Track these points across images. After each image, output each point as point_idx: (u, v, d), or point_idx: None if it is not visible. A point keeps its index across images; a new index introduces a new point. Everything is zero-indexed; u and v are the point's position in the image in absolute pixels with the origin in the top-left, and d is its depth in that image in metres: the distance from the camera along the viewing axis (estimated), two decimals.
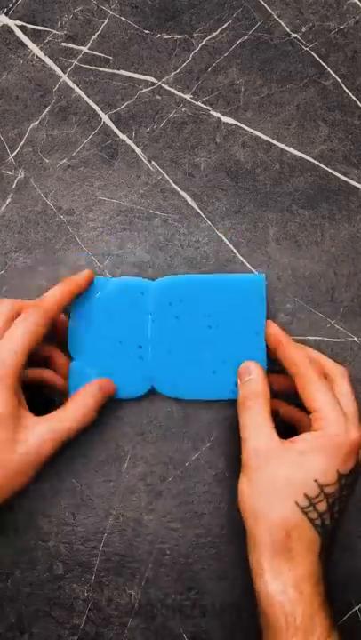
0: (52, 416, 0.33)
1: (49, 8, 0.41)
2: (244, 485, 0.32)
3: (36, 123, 0.40)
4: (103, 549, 0.38)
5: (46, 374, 0.37)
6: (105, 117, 0.40)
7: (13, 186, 0.40)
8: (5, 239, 0.40)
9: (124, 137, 0.40)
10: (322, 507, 0.31)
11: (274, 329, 0.36)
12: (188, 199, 0.40)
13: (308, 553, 0.30)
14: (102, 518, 0.38)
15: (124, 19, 0.41)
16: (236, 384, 0.36)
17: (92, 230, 0.40)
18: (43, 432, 0.32)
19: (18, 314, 0.33)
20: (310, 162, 0.40)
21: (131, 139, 0.40)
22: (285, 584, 0.30)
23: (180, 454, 0.38)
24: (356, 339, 0.39)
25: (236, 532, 0.38)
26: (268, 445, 0.31)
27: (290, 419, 0.36)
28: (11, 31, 0.41)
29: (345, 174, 0.40)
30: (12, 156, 0.40)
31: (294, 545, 0.30)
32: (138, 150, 0.40)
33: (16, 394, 0.32)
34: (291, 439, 0.32)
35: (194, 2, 0.41)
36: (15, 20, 0.41)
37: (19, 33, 0.41)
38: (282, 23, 0.41)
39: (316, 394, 0.32)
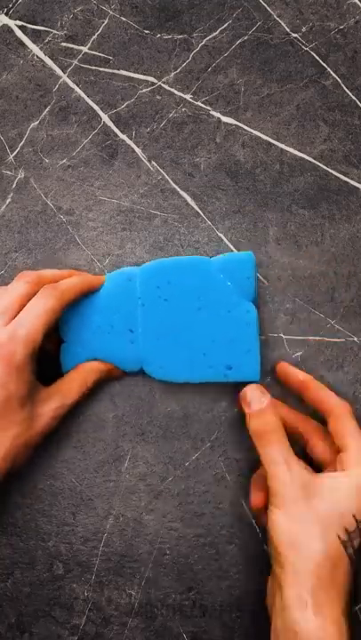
0: (58, 389, 0.35)
1: (49, 8, 0.41)
2: (280, 518, 0.31)
3: (36, 123, 0.40)
4: (103, 549, 0.38)
5: None
6: (105, 117, 0.40)
7: (13, 186, 0.40)
8: (5, 239, 0.40)
9: (124, 137, 0.40)
10: (356, 542, 0.31)
11: (298, 374, 0.37)
12: (188, 199, 0.40)
13: (345, 587, 0.30)
14: (102, 518, 0.38)
15: (124, 19, 0.41)
16: (229, 367, 0.36)
17: (92, 230, 0.40)
18: (55, 407, 0.34)
19: (35, 291, 0.34)
20: (310, 162, 0.40)
21: (131, 139, 0.40)
22: (325, 619, 0.29)
23: (180, 454, 0.38)
24: (356, 339, 0.39)
25: (236, 532, 0.38)
26: (303, 478, 0.32)
27: (314, 452, 0.36)
28: (11, 31, 0.41)
29: (345, 174, 0.40)
30: (11, 156, 0.40)
31: (338, 578, 0.30)
32: (138, 150, 0.40)
33: (32, 373, 0.33)
34: (320, 474, 0.33)
35: (194, 2, 0.41)
36: (15, 20, 0.41)
37: (19, 33, 0.41)
38: (282, 23, 0.41)
39: (347, 437, 0.33)
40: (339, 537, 0.30)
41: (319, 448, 0.35)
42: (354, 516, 0.31)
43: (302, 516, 0.31)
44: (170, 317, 0.37)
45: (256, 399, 0.34)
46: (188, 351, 0.37)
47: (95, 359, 0.37)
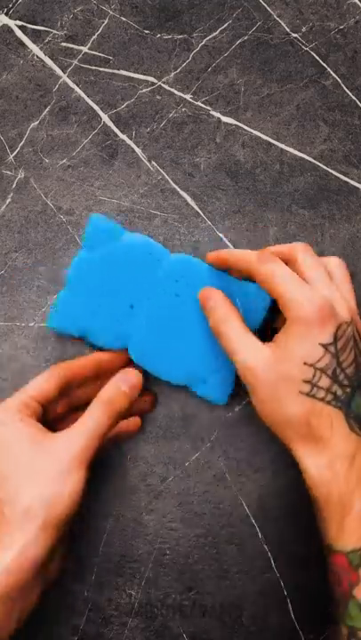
0: (74, 426, 0.32)
1: (49, 8, 0.41)
2: (255, 402, 0.32)
3: (36, 123, 0.40)
4: (103, 549, 0.38)
5: None
6: (105, 117, 0.40)
7: (13, 186, 0.40)
8: (5, 239, 0.40)
9: (124, 137, 0.40)
10: (325, 382, 0.30)
11: (211, 254, 0.36)
12: (188, 199, 0.40)
13: (336, 431, 0.30)
14: (102, 518, 0.38)
15: (124, 19, 0.41)
16: (204, 381, 0.37)
17: None
18: (73, 432, 0.32)
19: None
20: (310, 162, 0.40)
21: (131, 139, 0.40)
22: (319, 468, 0.30)
23: (180, 454, 0.38)
24: None
25: (236, 532, 0.38)
26: (255, 356, 0.31)
27: None
28: (11, 31, 0.41)
29: (345, 174, 0.40)
30: (11, 156, 0.40)
31: (318, 430, 0.30)
32: (138, 150, 0.40)
33: (30, 423, 0.33)
34: (273, 339, 0.32)
35: (194, 2, 0.41)
36: (15, 20, 0.41)
37: (19, 33, 0.41)
38: (282, 23, 0.41)
39: (275, 282, 0.32)
40: (300, 392, 0.30)
41: None
42: (305, 363, 0.30)
43: (268, 393, 0.31)
44: (172, 312, 0.37)
45: (206, 298, 0.35)
46: (174, 350, 0.37)
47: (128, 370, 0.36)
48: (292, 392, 0.30)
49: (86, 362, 0.36)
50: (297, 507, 0.38)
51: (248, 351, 0.32)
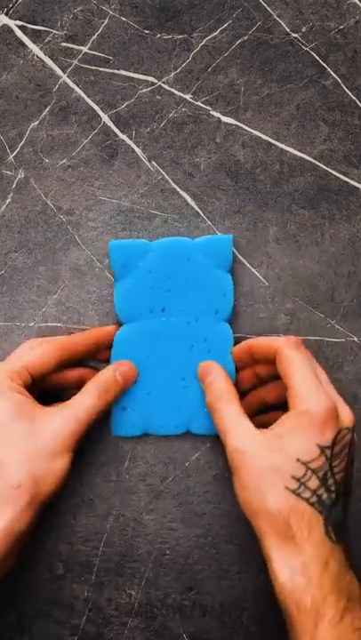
0: (71, 400, 0.33)
1: (49, 8, 0.41)
2: (237, 486, 0.32)
3: (36, 123, 0.40)
4: (103, 549, 0.38)
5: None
6: (105, 117, 0.40)
7: (13, 186, 0.40)
8: (5, 239, 0.40)
9: (124, 137, 0.40)
10: (313, 484, 0.30)
11: (237, 349, 0.37)
12: (188, 199, 0.40)
13: (312, 535, 0.30)
14: (102, 518, 0.38)
15: (124, 19, 0.41)
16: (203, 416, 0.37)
17: (92, 230, 0.40)
18: (60, 419, 0.32)
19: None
20: (310, 162, 0.40)
21: (131, 139, 0.40)
22: (293, 571, 0.29)
23: (180, 454, 0.38)
24: (356, 339, 0.39)
25: (236, 532, 0.38)
26: (247, 441, 0.31)
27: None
28: (11, 31, 0.41)
29: (345, 174, 0.40)
30: (11, 156, 0.40)
31: (296, 531, 0.29)
32: (138, 150, 0.40)
33: (19, 395, 0.33)
34: (270, 427, 0.32)
35: (194, 2, 0.41)
36: (15, 20, 0.41)
37: (19, 33, 0.41)
38: (282, 23, 0.41)
39: (293, 369, 0.32)
40: (287, 488, 0.30)
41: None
42: (298, 460, 0.30)
43: (252, 480, 0.30)
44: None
45: (206, 373, 0.35)
46: (175, 400, 0.37)
47: (121, 361, 0.37)
48: (278, 485, 0.30)
49: (83, 338, 0.36)
50: None
51: (240, 433, 0.31)
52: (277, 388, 0.36)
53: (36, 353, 0.34)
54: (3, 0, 0.41)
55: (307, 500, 0.30)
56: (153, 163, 0.40)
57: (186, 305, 0.37)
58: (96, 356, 0.38)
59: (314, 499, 0.30)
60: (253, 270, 0.39)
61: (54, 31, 0.41)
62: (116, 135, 0.40)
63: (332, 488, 0.31)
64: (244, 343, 0.36)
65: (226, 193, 0.40)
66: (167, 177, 0.40)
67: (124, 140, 0.40)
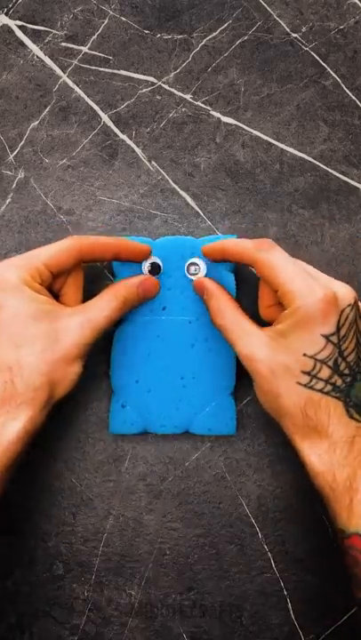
0: (89, 306, 0.33)
1: (49, 8, 0.41)
2: (257, 393, 0.32)
3: (36, 123, 0.40)
4: (103, 549, 0.38)
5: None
6: (105, 117, 0.40)
7: (13, 186, 0.40)
8: (5, 239, 0.40)
9: (124, 137, 0.40)
10: (325, 373, 0.30)
11: (206, 247, 0.35)
12: (188, 199, 0.40)
13: (332, 420, 0.30)
14: (102, 518, 0.38)
15: (124, 19, 0.41)
16: (204, 415, 0.37)
17: (92, 230, 0.40)
18: (82, 321, 0.32)
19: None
20: (310, 162, 0.40)
21: (131, 139, 0.40)
22: (320, 455, 0.30)
23: (180, 454, 0.38)
24: None
25: (236, 532, 0.38)
26: (254, 346, 0.31)
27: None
28: (11, 31, 0.41)
29: (345, 174, 0.40)
30: (11, 156, 0.40)
31: (316, 421, 0.30)
32: (138, 150, 0.40)
33: (39, 293, 0.32)
34: (273, 324, 0.32)
35: (194, 2, 0.41)
36: (15, 20, 0.41)
37: (19, 33, 0.41)
38: (282, 23, 0.41)
39: (274, 270, 0.31)
40: (299, 383, 0.30)
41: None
42: (305, 355, 0.30)
43: (268, 383, 0.31)
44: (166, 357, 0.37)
45: (201, 289, 0.35)
46: (173, 398, 0.37)
47: (147, 276, 0.36)
48: (289, 383, 0.30)
49: (107, 243, 0.34)
50: (297, 507, 0.38)
51: (247, 339, 0.31)
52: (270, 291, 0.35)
53: (55, 248, 0.33)
54: (3, 0, 0.41)
55: (321, 390, 0.30)
56: (153, 163, 0.40)
57: (187, 304, 0.37)
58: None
59: (328, 387, 0.30)
60: (253, 270, 0.39)
61: (54, 31, 0.41)
62: (116, 135, 0.40)
63: (346, 372, 0.31)
64: (216, 243, 0.35)
65: (226, 193, 0.40)
66: (167, 177, 0.40)
67: (124, 140, 0.40)
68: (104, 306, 0.33)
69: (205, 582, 0.37)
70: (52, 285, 0.35)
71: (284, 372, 0.30)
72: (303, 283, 0.30)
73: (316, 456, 0.30)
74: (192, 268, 0.37)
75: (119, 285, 0.35)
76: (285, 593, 0.37)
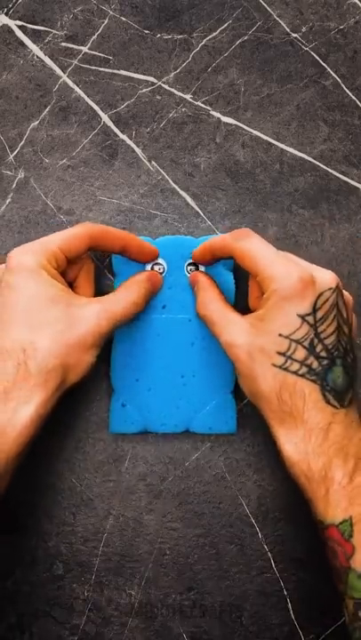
0: (105, 298, 0.33)
1: (49, 8, 0.41)
2: (239, 379, 0.32)
3: (36, 123, 0.40)
4: (103, 549, 0.38)
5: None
6: (105, 117, 0.40)
7: (13, 186, 0.40)
8: (5, 239, 0.40)
9: (124, 137, 0.40)
10: (300, 354, 0.30)
11: (196, 251, 0.36)
12: (188, 199, 0.40)
13: (308, 405, 0.30)
14: (102, 518, 0.38)
15: (124, 19, 0.41)
16: (204, 414, 0.37)
17: None
18: (98, 310, 0.32)
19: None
20: (310, 162, 0.40)
21: (131, 139, 0.40)
22: (295, 443, 0.30)
23: (180, 454, 0.38)
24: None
25: (236, 532, 0.38)
26: (235, 332, 0.31)
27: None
28: (11, 31, 0.41)
29: (345, 174, 0.40)
30: (11, 156, 0.40)
31: (291, 405, 0.30)
32: (138, 150, 0.40)
33: (55, 279, 0.32)
34: (252, 313, 0.32)
35: (194, 2, 0.41)
36: (15, 20, 0.41)
37: (19, 33, 0.41)
38: (282, 23, 0.41)
39: (251, 258, 0.31)
40: (274, 365, 0.30)
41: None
42: (281, 335, 0.30)
43: (246, 368, 0.30)
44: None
45: (194, 281, 0.35)
46: (173, 396, 0.37)
47: (151, 271, 0.36)
48: (265, 366, 0.30)
49: (118, 233, 0.35)
50: (297, 507, 0.38)
51: (229, 328, 0.31)
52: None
53: (69, 233, 0.33)
54: (3, 0, 0.41)
55: (295, 372, 0.30)
56: (153, 163, 0.40)
57: (187, 302, 0.37)
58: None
59: (303, 369, 0.30)
60: None
61: (54, 31, 0.41)
62: (116, 135, 0.40)
63: (323, 354, 0.30)
64: (201, 246, 0.35)
65: (226, 193, 0.40)
66: (167, 177, 0.40)
67: (124, 140, 0.40)
68: (121, 298, 0.33)
69: (205, 582, 0.37)
70: (66, 275, 0.35)
71: (260, 353, 0.30)
72: (281, 267, 0.30)
73: (292, 444, 0.30)
74: (191, 268, 0.37)
75: (131, 282, 0.35)
76: (285, 593, 0.37)
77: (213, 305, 0.33)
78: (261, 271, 0.31)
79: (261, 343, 0.30)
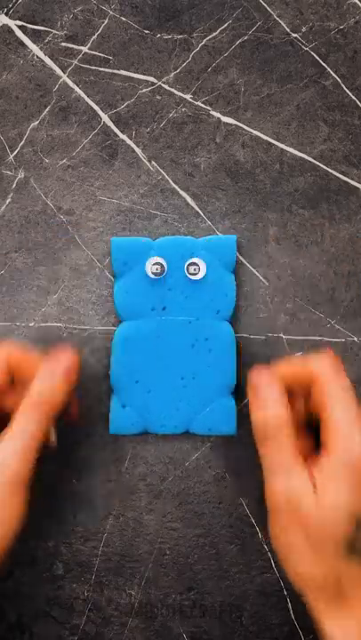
0: (10, 437, 0.29)
1: (49, 8, 0.41)
2: (275, 531, 0.28)
3: (36, 123, 0.40)
4: (103, 549, 0.38)
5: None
6: (105, 117, 0.40)
7: (13, 186, 0.40)
8: (5, 239, 0.40)
9: (124, 137, 0.40)
10: None
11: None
12: (188, 199, 0.40)
13: None
14: (102, 518, 0.38)
15: (124, 19, 0.41)
16: (204, 415, 0.37)
17: (92, 230, 0.40)
18: (6, 458, 0.28)
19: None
20: (310, 162, 0.40)
21: (131, 139, 0.40)
22: (347, 634, 0.27)
23: (180, 454, 0.38)
24: (356, 339, 0.39)
25: (236, 532, 0.38)
26: (299, 490, 0.27)
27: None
28: (11, 31, 0.41)
29: (345, 174, 0.40)
30: (11, 156, 0.40)
31: (347, 589, 0.27)
32: (138, 150, 0.40)
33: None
34: (312, 471, 0.28)
35: (194, 2, 0.41)
36: (15, 20, 0.41)
37: (19, 33, 0.41)
38: (282, 23, 0.41)
39: (331, 407, 0.28)
40: (337, 548, 0.27)
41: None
42: (353, 517, 0.27)
43: (298, 532, 0.27)
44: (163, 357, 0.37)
45: (260, 389, 0.30)
46: (172, 397, 0.37)
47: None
48: (328, 546, 0.27)
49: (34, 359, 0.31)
50: None
51: (294, 476, 0.28)
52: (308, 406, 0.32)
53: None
54: (3, 0, 0.41)
55: (359, 552, 0.27)
56: (153, 163, 0.40)
57: (187, 304, 0.37)
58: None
59: None
60: (253, 270, 0.39)
61: (54, 31, 0.41)
62: (116, 135, 0.40)
63: None
64: (285, 366, 0.31)
65: (226, 193, 0.40)
66: (167, 177, 0.40)
67: (124, 140, 0.40)
68: (25, 425, 0.29)
69: (205, 582, 0.37)
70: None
71: (325, 531, 0.27)
72: (357, 432, 0.28)
73: (342, 635, 0.26)
74: (192, 268, 0.37)
75: (34, 390, 0.30)
76: (285, 593, 0.37)
77: (280, 437, 0.29)
78: (332, 425, 0.28)
79: (329, 518, 0.27)
